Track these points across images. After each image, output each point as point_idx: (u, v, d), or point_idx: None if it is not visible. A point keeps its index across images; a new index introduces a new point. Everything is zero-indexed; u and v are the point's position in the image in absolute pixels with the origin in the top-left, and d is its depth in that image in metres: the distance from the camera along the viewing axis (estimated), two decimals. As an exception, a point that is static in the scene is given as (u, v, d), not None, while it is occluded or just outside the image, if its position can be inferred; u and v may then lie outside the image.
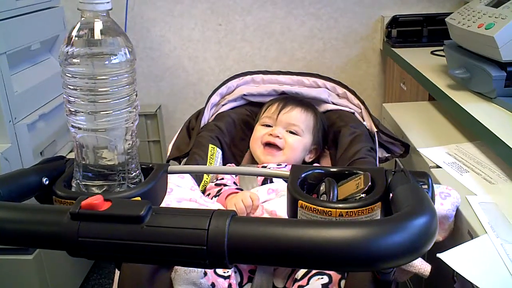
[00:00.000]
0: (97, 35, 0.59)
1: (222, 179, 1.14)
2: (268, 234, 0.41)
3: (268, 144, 1.22)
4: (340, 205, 0.55)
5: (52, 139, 1.69)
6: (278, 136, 1.21)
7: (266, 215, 0.97)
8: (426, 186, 0.58)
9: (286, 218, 0.50)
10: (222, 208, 0.99)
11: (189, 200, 0.90)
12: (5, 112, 1.42)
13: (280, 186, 1.03)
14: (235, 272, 0.92)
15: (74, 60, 0.59)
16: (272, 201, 1.00)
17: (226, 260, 0.42)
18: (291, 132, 1.23)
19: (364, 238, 0.40)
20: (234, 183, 1.14)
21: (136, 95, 0.64)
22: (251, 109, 1.38)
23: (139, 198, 0.60)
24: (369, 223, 0.42)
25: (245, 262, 0.53)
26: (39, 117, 1.56)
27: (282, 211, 0.95)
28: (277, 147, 1.21)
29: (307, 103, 1.30)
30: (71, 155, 1.85)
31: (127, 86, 0.61)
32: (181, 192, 0.88)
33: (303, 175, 0.62)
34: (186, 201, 0.89)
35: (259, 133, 1.25)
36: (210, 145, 1.22)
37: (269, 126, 1.25)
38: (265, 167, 1.18)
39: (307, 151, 1.26)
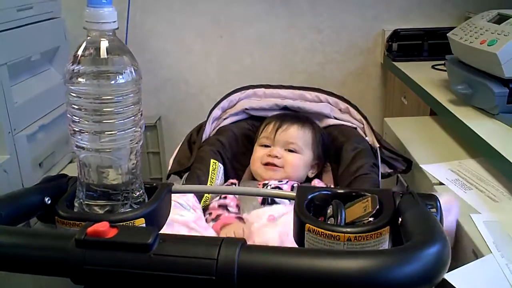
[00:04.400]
0: (103, 54, 0.59)
1: (225, 197, 1.13)
2: (279, 264, 0.40)
3: (268, 164, 1.21)
4: (349, 230, 0.54)
5: (52, 151, 1.67)
6: (277, 156, 1.20)
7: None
8: (434, 210, 0.58)
9: (297, 248, 0.49)
10: (214, 234, 0.97)
11: (182, 223, 0.89)
12: (4, 123, 1.40)
13: (281, 209, 1.01)
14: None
15: (80, 79, 0.58)
16: (264, 228, 0.98)
17: (236, 290, 0.41)
18: (290, 151, 1.22)
19: (377, 269, 0.39)
20: (237, 205, 1.13)
21: (141, 115, 0.63)
22: (253, 123, 1.37)
23: (143, 219, 0.59)
24: (381, 253, 0.41)
25: (255, 293, 0.52)
26: (38, 128, 1.55)
27: (273, 242, 0.93)
28: (277, 166, 1.20)
29: (304, 118, 1.29)
30: (70, 166, 1.83)
31: (133, 106, 0.60)
32: (174, 213, 0.86)
33: (309, 197, 0.61)
34: (177, 224, 0.88)
35: (258, 154, 1.24)
36: (212, 160, 1.21)
37: (267, 146, 1.24)
38: (265, 184, 1.17)
39: (309, 167, 1.25)
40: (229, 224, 1.02)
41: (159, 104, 2.17)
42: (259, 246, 0.44)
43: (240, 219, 1.05)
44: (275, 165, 1.20)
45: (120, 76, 0.58)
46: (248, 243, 0.92)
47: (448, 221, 0.87)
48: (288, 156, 1.21)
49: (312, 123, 1.29)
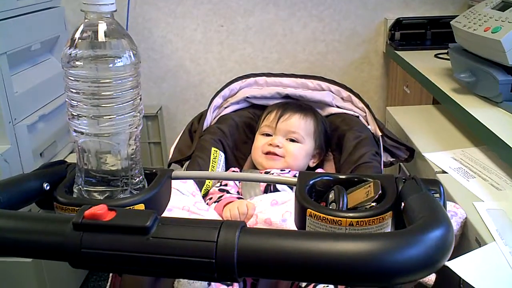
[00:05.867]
0: (101, 37, 0.58)
1: (226, 185, 1.12)
2: (279, 247, 0.39)
3: (269, 153, 1.20)
4: (351, 215, 0.53)
5: (52, 140, 1.67)
6: (278, 146, 1.19)
7: (260, 224, 0.95)
8: (437, 195, 0.57)
9: (297, 230, 0.49)
10: (216, 216, 0.97)
11: (182, 208, 0.88)
12: (5, 113, 1.40)
13: (284, 196, 1.01)
14: (238, 278, 0.90)
15: (77, 63, 0.57)
16: (267, 209, 0.98)
17: (235, 273, 0.40)
18: (292, 140, 1.21)
19: (379, 252, 0.38)
20: (237, 192, 1.12)
21: (140, 99, 0.62)
22: (254, 112, 1.36)
23: (142, 205, 0.58)
24: (384, 236, 0.41)
25: (255, 276, 0.51)
26: (39, 118, 1.55)
27: (276, 218, 0.93)
28: (278, 156, 1.19)
29: (306, 107, 1.28)
30: (71, 156, 1.82)
31: (131, 90, 0.59)
32: (173, 199, 0.86)
33: (311, 182, 0.60)
34: (177, 210, 0.87)
35: (260, 142, 1.23)
36: (213, 148, 1.20)
37: (269, 135, 1.23)
38: (268, 172, 1.16)
39: (310, 157, 1.24)
40: (232, 202, 1.02)
41: (160, 94, 2.16)
42: (259, 229, 0.43)
43: (242, 199, 1.05)
44: (276, 154, 1.19)
45: (119, 60, 0.58)
46: (251, 220, 0.94)
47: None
48: (289, 145, 1.20)
49: (314, 113, 1.28)
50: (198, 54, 2.10)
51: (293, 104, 1.28)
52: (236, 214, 0.96)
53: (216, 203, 1.05)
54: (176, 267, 0.41)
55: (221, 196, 1.07)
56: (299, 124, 1.22)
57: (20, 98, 1.48)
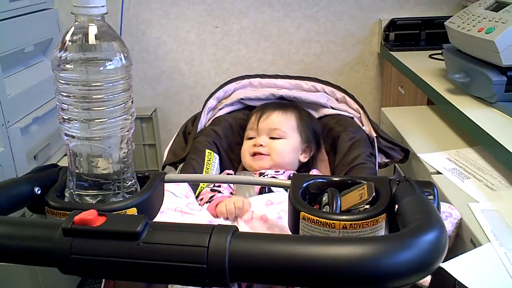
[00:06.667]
0: (92, 40, 0.57)
1: (219, 186, 1.12)
2: (271, 251, 0.39)
3: (255, 154, 1.20)
4: (344, 217, 0.53)
5: (46, 143, 1.66)
6: (261, 145, 1.19)
7: (256, 220, 0.94)
8: (431, 197, 0.57)
9: (290, 235, 0.48)
10: (209, 215, 0.96)
11: (174, 210, 0.88)
12: (-3, 116, 1.39)
13: (279, 197, 1.00)
14: (233, 281, 0.90)
15: (68, 66, 0.56)
16: (262, 209, 0.97)
17: (227, 279, 0.40)
18: (275, 138, 1.21)
19: (373, 256, 0.38)
20: (231, 193, 1.11)
21: (132, 102, 0.61)
22: (248, 114, 1.35)
23: (135, 209, 0.58)
24: (377, 240, 0.40)
25: (247, 281, 0.51)
26: (32, 121, 1.54)
27: (272, 215, 0.92)
28: (263, 154, 1.19)
29: (286, 104, 1.28)
30: (65, 159, 1.81)
31: (123, 93, 0.59)
32: (166, 201, 0.86)
33: (304, 185, 0.60)
34: (170, 211, 0.87)
35: (246, 146, 1.23)
36: (207, 150, 1.20)
37: (253, 138, 1.23)
38: (262, 174, 1.16)
39: (299, 151, 1.24)
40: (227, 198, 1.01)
41: (155, 96, 2.16)
42: (251, 233, 0.43)
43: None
44: (261, 154, 1.19)
45: (109, 63, 0.57)
46: (246, 216, 0.93)
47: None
48: (272, 143, 1.20)
49: (296, 107, 1.27)
50: (192, 55, 2.10)
51: (273, 103, 1.29)
52: (232, 209, 0.95)
53: (208, 203, 1.04)
54: (167, 273, 0.40)
55: (212, 196, 1.06)
56: (279, 120, 1.22)
57: (13, 100, 1.47)
